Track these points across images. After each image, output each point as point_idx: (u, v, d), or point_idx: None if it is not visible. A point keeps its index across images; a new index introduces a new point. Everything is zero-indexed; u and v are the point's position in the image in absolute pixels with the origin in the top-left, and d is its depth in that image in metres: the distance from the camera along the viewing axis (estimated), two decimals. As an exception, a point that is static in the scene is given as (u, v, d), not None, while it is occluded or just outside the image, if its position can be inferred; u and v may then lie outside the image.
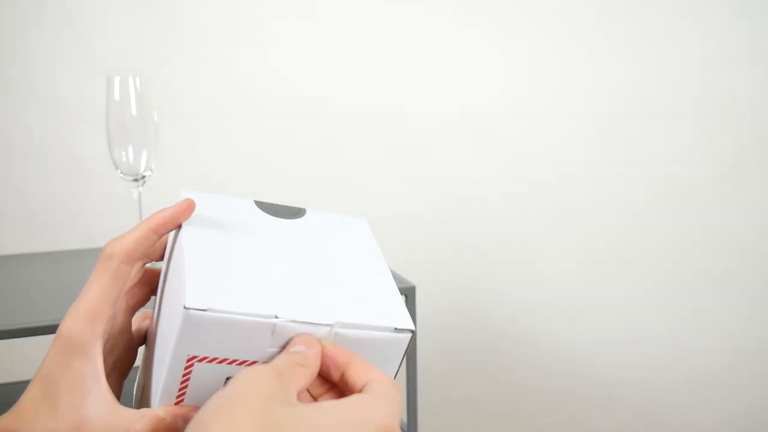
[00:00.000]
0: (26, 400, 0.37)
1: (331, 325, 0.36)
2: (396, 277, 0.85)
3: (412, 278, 1.58)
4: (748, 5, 1.56)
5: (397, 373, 0.39)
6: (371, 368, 0.36)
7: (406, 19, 1.49)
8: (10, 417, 0.37)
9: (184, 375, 0.36)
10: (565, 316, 1.64)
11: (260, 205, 0.45)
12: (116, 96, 0.85)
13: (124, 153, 0.86)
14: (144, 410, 0.37)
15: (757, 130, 1.61)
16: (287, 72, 1.47)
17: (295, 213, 0.44)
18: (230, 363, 0.36)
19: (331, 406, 0.32)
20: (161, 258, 0.45)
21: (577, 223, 1.61)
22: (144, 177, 0.89)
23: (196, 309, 0.34)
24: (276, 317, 0.35)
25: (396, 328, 0.37)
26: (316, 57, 1.48)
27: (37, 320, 0.71)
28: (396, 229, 1.56)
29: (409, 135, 1.53)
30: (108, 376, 0.44)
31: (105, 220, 1.46)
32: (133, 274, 0.45)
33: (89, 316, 0.38)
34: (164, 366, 0.36)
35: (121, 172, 0.88)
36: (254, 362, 0.36)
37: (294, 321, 0.35)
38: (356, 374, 0.36)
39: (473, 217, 1.58)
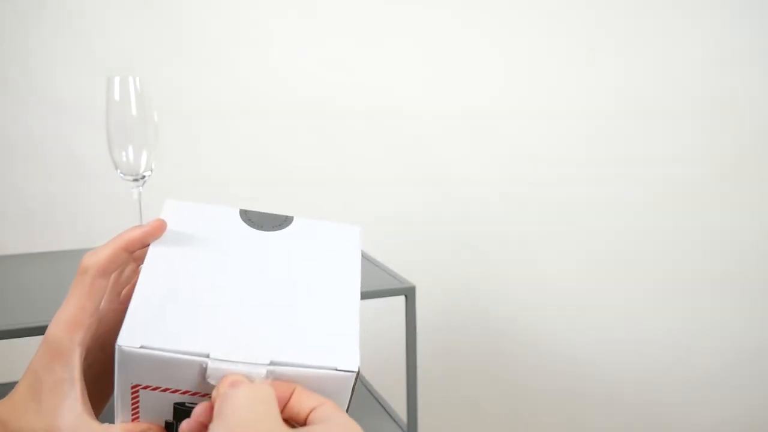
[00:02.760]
0: (18, 394, 0.40)
1: (266, 365, 0.36)
2: (396, 277, 0.85)
3: (412, 278, 1.58)
4: (748, 5, 1.56)
5: (348, 408, 0.39)
6: (314, 396, 0.36)
7: (406, 19, 1.49)
8: (4, 406, 0.39)
9: (132, 399, 0.37)
10: (565, 316, 1.64)
11: (245, 214, 0.44)
12: (116, 96, 0.85)
13: (124, 153, 0.86)
14: (103, 426, 0.38)
15: (757, 130, 1.61)
16: (287, 72, 1.47)
17: (280, 223, 0.44)
18: (173, 392, 0.36)
19: None
20: None
21: (577, 223, 1.61)
22: (144, 177, 0.89)
23: (128, 347, 0.35)
24: (208, 356, 0.35)
25: (337, 369, 0.37)
26: (316, 57, 1.48)
27: (37, 320, 0.71)
28: (396, 229, 1.56)
29: (409, 135, 1.53)
30: (98, 379, 0.45)
31: (105, 220, 1.46)
32: (126, 276, 0.47)
33: (69, 326, 0.40)
34: (115, 387, 0.37)
35: (121, 172, 0.88)
36: (197, 393, 0.36)
37: (227, 360, 0.35)
38: (299, 403, 0.36)
39: (473, 217, 1.57)
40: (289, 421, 0.36)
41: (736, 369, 1.69)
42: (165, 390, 0.36)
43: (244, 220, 0.44)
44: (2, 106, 1.39)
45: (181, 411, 0.37)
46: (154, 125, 0.87)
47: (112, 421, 0.39)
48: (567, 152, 1.58)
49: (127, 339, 0.36)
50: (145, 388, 0.36)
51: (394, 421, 0.91)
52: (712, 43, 1.57)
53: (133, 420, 0.38)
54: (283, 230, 0.43)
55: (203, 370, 0.35)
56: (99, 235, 1.46)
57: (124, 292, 0.49)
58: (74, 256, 0.98)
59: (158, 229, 0.44)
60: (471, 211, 1.57)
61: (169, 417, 0.37)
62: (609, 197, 1.61)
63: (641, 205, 1.62)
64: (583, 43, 1.54)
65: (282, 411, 0.36)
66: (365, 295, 0.80)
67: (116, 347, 0.35)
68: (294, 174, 1.51)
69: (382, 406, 0.95)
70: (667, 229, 1.63)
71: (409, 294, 0.81)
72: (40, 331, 0.70)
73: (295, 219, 0.44)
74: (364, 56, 1.49)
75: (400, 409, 1.63)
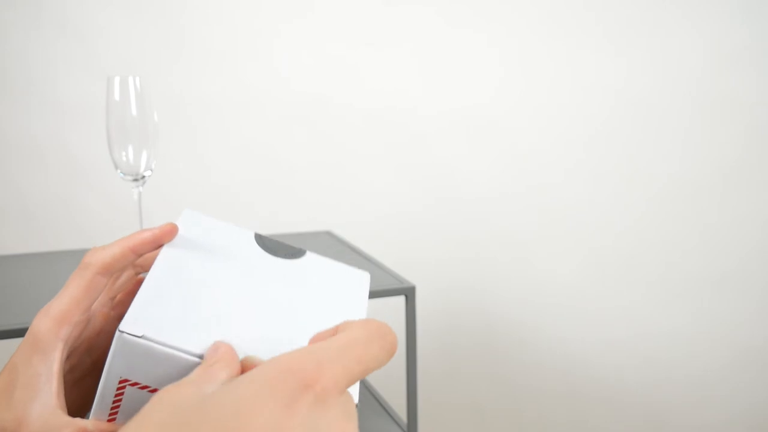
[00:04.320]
0: None
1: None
2: (396, 277, 0.85)
3: (412, 278, 1.58)
4: (748, 5, 1.56)
5: None
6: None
7: (406, 19, 1.49)
8: None
9: (116, 395, 0.36)
10: (565, 315, 1.64)
11: (260, 239, 0.45)
12: (116, 96, 0.85)
13: (124, 153, 0.86)
14: (75, 419, 0.37)
15: (757, 130, 1.61)
16: (287, 72, 1.47)
17: (293, 254, 0.43)
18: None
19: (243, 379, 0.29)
20: None
21: (577, 223, 1.61)
22: (144, 177, 0.89)
23: (130, 334, 0.35)
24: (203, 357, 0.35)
25: None
26: (316, 57, 1.48)
27: (37, 320, 0.71)
28: (396, 229, 1.56)
29: (410, 135, 1.53)
30: (78, 384, 0.45)
31: (105, 220, 1.46)
32: (121, 283, 0.46)
33: (57, 319, 0.39)
34: (101, 381, 0.37)
35: (121, 172, 0.88)
36: None
37: None
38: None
39: (473, 216, 1.58)
40: None
41: (736, 369, 1.69)
42: (153, 391, 0.36)
43: (258, 243, 0.44)
44: (2, 106, 1.39)
45: None
46: (154, 125, 0.87)
47: None
48: (567, 152, 1.58)
49: (131, 326, 0.35)
50: (133, 384, 0.36)
51: (394, 421, 0.91)
52: (712, 43, 1.57)
53: (109, 420, 0.37)
54: (294, 260, 0.43)
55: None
56: (99, 235, 1.46)
57: (118, 298, 0.47)
58: (74, 256, 0.98)
59: (169, 233, 0.43)
60: (471, 210, 1.57)
61: None
62: (609, 197, 1.61)
63: (641, 205, 1.62)
64: (582, 43, 1.54)
65: None
66: (365, 295, 0.80)
67: (117, 333, 0.35)
68: (294, 174, 1.51)
69: (382, 406, 0.95)
70: (667, 229, 1.63)
71: (409, 294, 0.81)
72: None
73: (307, 253, 0.44)
74: (364, 56, 1.49)
75: (400, 409, 1.63)
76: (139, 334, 0.35)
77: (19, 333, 0.70)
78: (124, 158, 0.86)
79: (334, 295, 0.41)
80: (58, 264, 0.93)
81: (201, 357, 0.35)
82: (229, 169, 1.49)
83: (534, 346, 1.64)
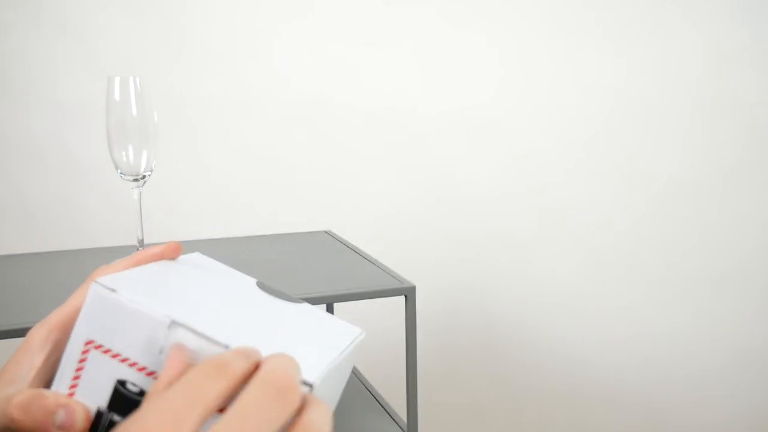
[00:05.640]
0: None
1: (227, 346, 0.34)
2: (396, 277, 0.85)
3: (412, 278, 1.58)
4: (748, 5, 1.56)
5: None
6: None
7: (406, 19, 1.49)
8: None
9: (79, 361, 0.36)
10: (565, 315, 1.64)
11: (261, 284, 0.45)
12: (116, 96, 0.85)
13: (124, 153, 0.86)
14: (33, 388, 0.36)
15: (757, 130, 1.61)
16: (287, 72, 1.47)
17: (290, 299, 0.44)
18: (122, 361, 0.35)
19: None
20: None
21: (577, 223, 1.61)
22: (144, 177, 0.89)
23: (104, 286, 0.35)
24: (173, 321, 0.34)
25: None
26: (316, 57, 1.48)
27: (36, 320, 0.71)
28: (396, 229, 1.56)
29: (410, 135, 1.53)
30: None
31: (105, 220, 1.46)
32: None
33: (52, 325, 0.39)
34: (68, 345, 0.36)
35: (121, 172, 0.88)
36: (144, 369, 0.35)
37: (190, 330, 0.34)
38: None
39: (473, 216, 1.58)
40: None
41: (736, 369, 1.70)
42: (115, 356, 0.35)
43: (258, 286, 0.44)
44: (2, 106, 1.39)
45: (119, 396, 0.36)
46: (154, 125, 0.87)
47: None
48: (567, 152, 1.58)
49: (108, 280, 0.36)
50: (97, 347, 0.35)
51: (394, 421, 0.91)
52: (712, 43, 1.57)
53: (70, 390, 0.36)
54: (289, 303, 0.43)
55: (163, 335, 0.35)
56: (99, 235, 1.46)
57: None
58: (74, 256, 0.98)
59: (174, 251, 0.44)
60: (471, 210, 1.57)
61: (104, 402, 0.36)
62: (609, 197, 1.61)
63: (641, 205, 1.62)
64: (582, 43, 1.55)
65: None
66: (365, 295, 0.80)
67: (91, 286, 0.35)
68: (294, 174, 1.51)
69: (382, 406, 0.95)
70: (667, 229, 1.63)
71: (409, 294, 0.81)
72: (40, 331, 0.70)
73: (306, 304, 0.45)
74: (364, 56, 1.49)
75: (400, 409, 1.63)
76: (113, 288, 0.35)
77: (19, 333, 0.70)
78: (124, 158, 0.86)
79: (316, 336, 0.41)
80: (58, 264, 0.93)
81: (167, 317, 0.35)
82: (229, 169, 1.49)
83: (534, 346, 1.64)
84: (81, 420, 0.34)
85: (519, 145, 1.56)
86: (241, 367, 0.32)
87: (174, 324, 0.34)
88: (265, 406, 0.30)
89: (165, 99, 1.44)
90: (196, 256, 0.46)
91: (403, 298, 1.58)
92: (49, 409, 0.34)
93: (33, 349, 0.38)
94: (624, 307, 1.65)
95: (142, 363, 0.35)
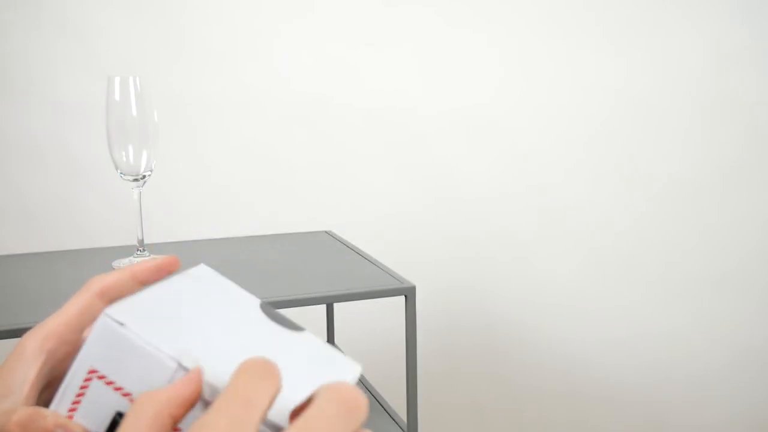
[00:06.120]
0: None
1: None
2: (396, 277, 0.85)
3: (412, 278, 1.58)
4: (748, 5, 1.56)
5: None
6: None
7: (406, 19, 1.49)
8: None
9: (81, 387, 0.36)
10: (565, 316, 1.64)
11: (264, 306, 0.45)
12: (116, 96, 0.85)
13: (124, 153, 0.86)
14: (32, 407, 0.36)
15: (757, 130, 1.61)
16: (287, 72, 1.47)
17: (292, 326, 0.44)
18: (124, 395, 0.35)
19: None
20: None
21: (577, 223, 1.61)
22: (144, 177, 0.89)
23: (113, 319, 0.35)
24: (180, 364, 0.35)
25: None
26: (316, 57, 1.48)
27: (36, 320, 0.71)
28: (396, 229, 1.56)
29: (410, 135, 1.53)
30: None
31: (105, 220, 1.46)
32: None
33: (45, 333, 0.39)
34: (71, 368, 0.36)
35: (121, 172, 0.88)
36: None
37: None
38: None
39: (473, 216, 1.58)
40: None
41: (736, 369, 1.70)
42: (117, 389, 0.35)
43: (261, 308, 0.45)
44: (2, 106, 1.39)
45: (116, 428, 0.36)
46: (154, 125, 0.87)
47: None
48: (567, 152, 1.58)
49: (118, 312, 0.35)
50: (100, 377, 0.35)
51: (394, 421, 0.91)
52: (712, 43, 1.57)
53: (69, 413, 0.36)
54: (290, 331, 0.43)
55: (168, 377, 0.35)
56: (99, 235, 1.46)
57: None
58: (74, 256, 0.98)
59: (171, 264, 0.44)
60: (471, 210, 1.57)
61: (101, 430, 0.36)
62: (609, 197, 1.61)
63: (641, 205, 1.62)
64: (582, 43, 1.55)
65: None
66: (365, 295, 0.80)
67: (101, 315, 0.35)
68: (294, 174, 1.51)
69: (382, 406, 0.95)
70: (667, 229, 1.63)
71: (409, 294, 0.81)
72: (40, 331, 0.70)
73: (307, 332, 0.45)
74: (364, 56, 1.49)
75: (400, 409, 1.63)
76: (122, 322, 0.35)
77: (19, 333, 0.70)
78: (124, 158, 0.86)
79: (315, 369, 0.41)
80: (58, 264, 0.93)
81: (174, 360, 0.35)
82: (229, 169, 1.49)
83: (534, 346, 1.64)
84: None
85: (519, 145, 1.56)
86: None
87: (180, 368, 0.34)
88: (334, 420, 0.30)
89: (165, 99, 1.44)
90: (202, 270, 0.46)
91: (403, 298, 1.58)
92: (47, 428, 0.34)
93: (27, 359, 0.38)
94: (624, 307, 1.65)
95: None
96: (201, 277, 0.45)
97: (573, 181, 1.59)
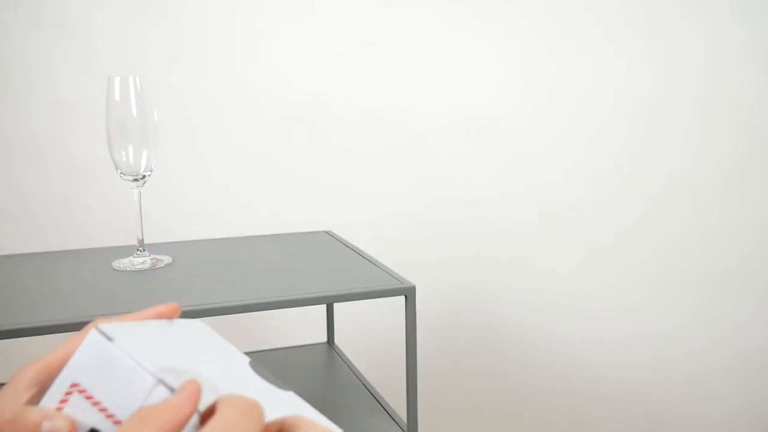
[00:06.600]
0: None
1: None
2: (396, 277, 0.85)
3: (412, 278, 1.58)
4: (748, 5, 1.56)
5: None
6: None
7: (406, 19, 1.49)
8: None
9: (61, 401, 0.37)
10: (565, 315, 1.64)
11: (253, 363, 0.46)
12: (116, 96, 0.85)
13: (124, 153, 0.86)
14: (20, 407, 0.37)
15: (757, 130, 1.61)
16: (287, 72, 1.47)
17: (279, 385, 0.45)
18: (101, 411, 0.36)
19: None
20: None
21: (577, 223, 1.61)
22: (144, 177, 0.89)
23: (103, 334, 0.36)
24: (161, 380, 0.35)
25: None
26: (316, 57, 1.48)
27: (37, 320, 0.71)
28: (396, 229, 1.56)
29: (410, 135, 1.53)
30: None
31: (105, 220, 1.46)
32: None
33: (41, 366, 0.40)
34: (56, 380, 0.37)
35: (121, 172, 0.88)
36: (120, 422, 0.36)
37: (173, 392, 0.35)
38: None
39: (473, 216, 1.58)
40: None
41: (736, 369, 1.70)
42: (95, 404, 0.36)
43: (250, 365, 0.46)
44: (2, 106, 1.39)
45: None
46: (154, 125, 0.87)
47: None
48: (567, 152, 1.58)
49: (108, 328, 0.37)
50: (81, 391, 0.36)
51: (394, 421, 0.91)
52: (712, 43, 1.57)
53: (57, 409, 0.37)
54: (276, 388, 0.44)
55: (147, 393, 0.36)
56: (99, 235, 1.46)
57: None
58: (74, 256, 0.98)
59: (173, 312, 0.46)
60: (471, 210, 1.57)
61: None
62: (609, 197, 1.61)
63: (641, 205, 1.62)
64: (582, 43, 1.55)
65: None
66: (365, 295, 0.80)
67: (92, 331, 0.36)
68: (294, 174, 1.51)
69: (382, 406, 0.95)
70: (668, 229, 1.63)
71: (409, 294, 0.81)
72: (39, 331, 0.70)
73: (293, 393, 0.46)
74: (364, 56, 1.49)
75: (400, 409, 1.63)
76: (111, 337, 0.36)
77: (19, 333, 0.70)
78: (124, 158, 0.86)
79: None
80: (58, 264, 0.93)
81: (155, 377, 0.35)
82: (229, 169, 1.49)
83: (534, 346, 1.64)
84: (66, 428, 0.35)
85: (519, 145, 1.56)
86: (263, 414, 0.34)
87: (160, 384, 0.35)
88: (236, 422, 0.32)
89: (165, 99, 1.44)
90: (198, 322, 0.48)
91: (403, 298, 1.58)
92: (35, 420, 0.35)
93: (19, 389, 0.39)
94: (624, 307, 1.65)
95: (118, 416, 0.36)
96: (196, 326, 0.47)
97: (573, 181, 1.59)
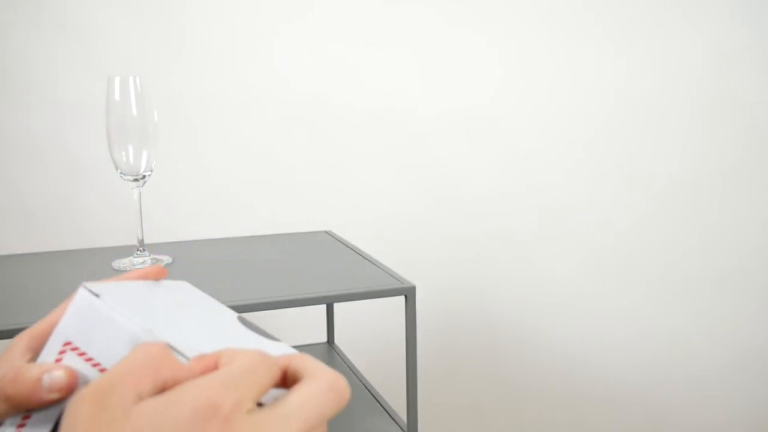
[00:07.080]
0: None
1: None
2: (396, 277, 0.85)
3: (412, 278, 1.58)
4: (748, 5, 1.56)
5: None
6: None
7: (406, 19, 1.49)
8: None
9: (56, 359, 0.37)
10: (565, 316, 1.64)
11: (241, 318, 0.47)
12: (116, 96, 0.85)
13: (124, 153, 0.86)
14: (18, 365, 0.38)
15: (757, 130, 1.61)
16: (287, 72, 1.47)
17: (268, 335, 0.45)
18: (94, 366, 0.36)
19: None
20: None
21: (577, 223, 1.61)
22: (144, 177, 0.89)
23: (90, 291, 0.36)
24: (148, 332, 0.35)
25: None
26: (316, 57, 1.48)
27: (36, 320, 0.71)
28: (396, 229, 1.56)
29: (410, 135, 1.53)
30: None
31: (105, 220, 1.46)
32: None
33: (32, 333, 0.41)
34: (48, 342, 0.38)
35: (121, 172, 0.88)
36: None
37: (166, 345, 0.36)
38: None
39: (473, 216, 1.58)
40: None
41: (736, 369, 1.70)
42: (88, 360, 0.36)
43: (238, 319, 0.46)
44: (2, 106, 1.39)
45: None
46: (154, 125, 0.87)
47: None
48: (567, 152, 1.58)
49: (94, 286, 0.37)
50: (74, 349, 0.36)
51: (394, 421, 0.91)
52: (712, 43, 1.57)
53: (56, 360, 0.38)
54: (266, 339, 0.44)
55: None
56: (99, 235, 1.46)
57: None
58: (74, 256, 0.98)
59: (158, 274, 0.46)
60: (471, 210, 1.57)
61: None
62: (609, 197, 1.61)
63: (641, 205, 1.62)
64: (582, 43, 1.55)
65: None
66: (365, 295, 0.80)
67: (79, 290, 0.37)
68: (294, 174, 1.51)
69: (382, 406, 0.95)
70: (667, 229, 1.63)
71: (409, 294, 0.81)
72: (40, 331, 0.70)
73: (282, 342, 0.47)
74: (364, 56, 1.49)
75: (400, 409, 1.63)
76: (98, 293, 0.36)
77: (19, 333, 0.70)
78: (124, 158, 0.86)
79: None
80: (58, 264, 0.93)
81: (144, 330, 0.35)
82: (229, 169, 1.49)
83: (534, 346, 1.64)
84: (65, 378, 0.36)
85: (519, 145, 1.56)
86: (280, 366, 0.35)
87: (149, 335, 0.35)
88: (323, 398, 0.33)
89: (165, 99, 1.44)
90: (184, 284, 0.48)
91: (403, 298, 1.58)
92: (36, 376, 0.36)
93: (15, 356, 0.39)
94: (624, 307, 1.65)
95: (108, 368, 0.36)
96: (182, 285, 0.47)
97: (573, 181, 1.59)
